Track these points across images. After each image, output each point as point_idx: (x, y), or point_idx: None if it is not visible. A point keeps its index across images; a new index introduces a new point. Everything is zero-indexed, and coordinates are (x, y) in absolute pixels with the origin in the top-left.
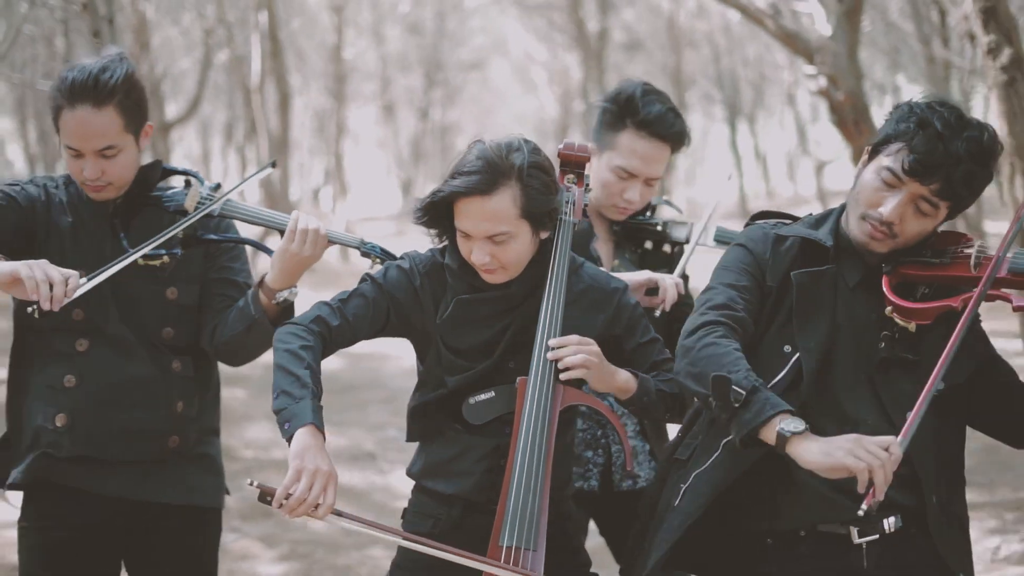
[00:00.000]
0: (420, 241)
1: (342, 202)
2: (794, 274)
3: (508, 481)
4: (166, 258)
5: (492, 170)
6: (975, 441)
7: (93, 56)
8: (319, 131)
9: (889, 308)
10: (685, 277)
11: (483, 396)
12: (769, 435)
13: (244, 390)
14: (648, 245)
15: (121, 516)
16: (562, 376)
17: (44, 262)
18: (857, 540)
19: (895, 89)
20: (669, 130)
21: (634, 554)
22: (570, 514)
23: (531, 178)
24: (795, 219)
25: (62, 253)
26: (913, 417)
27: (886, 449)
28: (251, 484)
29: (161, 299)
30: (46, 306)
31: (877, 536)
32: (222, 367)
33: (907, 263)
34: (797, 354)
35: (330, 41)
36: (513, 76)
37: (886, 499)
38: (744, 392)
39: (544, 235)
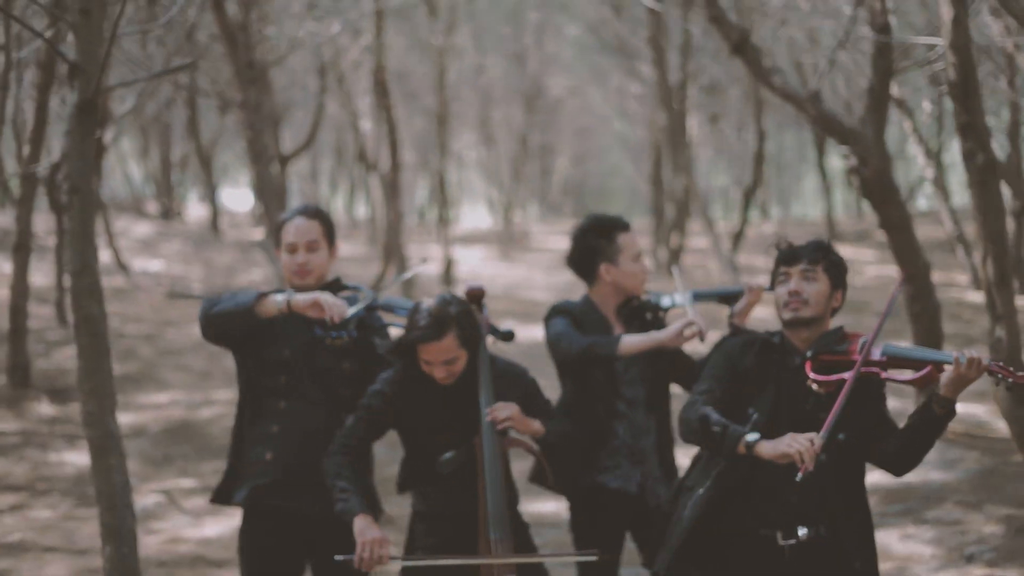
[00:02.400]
0: (521, 266)
1: (443, 227)
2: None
3: (483, 500)
4: (344, 339)
5: (439, 323)
6: (972, 464)
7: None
8: (422, 152)
9: (809, 380)
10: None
11: (447, 456)
12: (742, 448)
13: None
14: (648, 317)
15: (306, 530)
16: (499, 427)
17: (329, 294)
18: (780, 543)
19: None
20: None
21: (655, 553)
22: (521, 521)
23: (463, 320)
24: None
25: (274, 335)
26: (824, 428)
27: (811, 440)
28: (337, 558)
29: (340, 369)
30: (335, 319)
31: (794, 541)
32: None
33: (823, 352)
34: (756, 414)
35: (434, 78)
36: (607, 102)
37: (804, 513)
38: (719, 428)
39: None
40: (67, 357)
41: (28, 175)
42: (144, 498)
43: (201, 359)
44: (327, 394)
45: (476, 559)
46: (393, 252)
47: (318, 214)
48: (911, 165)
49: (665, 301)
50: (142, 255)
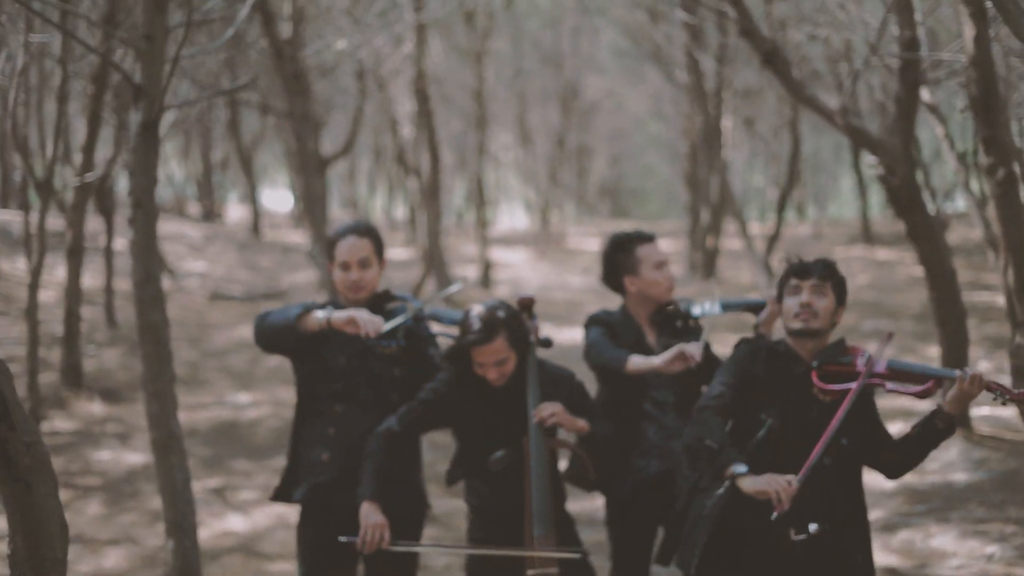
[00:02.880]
0: (557, 268)
1: (481, 230)
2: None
3: (529, 498)
4: (394, 347)
5: (489, 327)
6: (997, 466)
7: None
8: (460, 152)
9: (815, 389)
10: (707, 345)
11: (497, 454)
12: (728, 473)
13: None
14: (679, 324)
15: (353, 525)
16: (545, 423)
17: (365, 312)
18: (793, 538)
19: None
20: None
21: (671, 549)
22: (567, 517)
23: (512, 324)
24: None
25: (331, 344)
26: (808, 463)
27: (788, 482)
28: (341, 539)
29: (390, 375)
30: (371, 335)
31: (805, 536)
32: None
33: (828, 363)
34: (769, 420)
35: (472, 84)
36: (643, 104)
37: (812, 512)
38: (716, 447)
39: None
40: (116, 358)
41: (82, 184)
42: (195, 495)
43: (244, 361)
44: (379, 399)
45: (490, 550)
46: (434, 258)
47: (369, 231)
48: (947, 167)
49: (696, 310)
50: (186, 258)
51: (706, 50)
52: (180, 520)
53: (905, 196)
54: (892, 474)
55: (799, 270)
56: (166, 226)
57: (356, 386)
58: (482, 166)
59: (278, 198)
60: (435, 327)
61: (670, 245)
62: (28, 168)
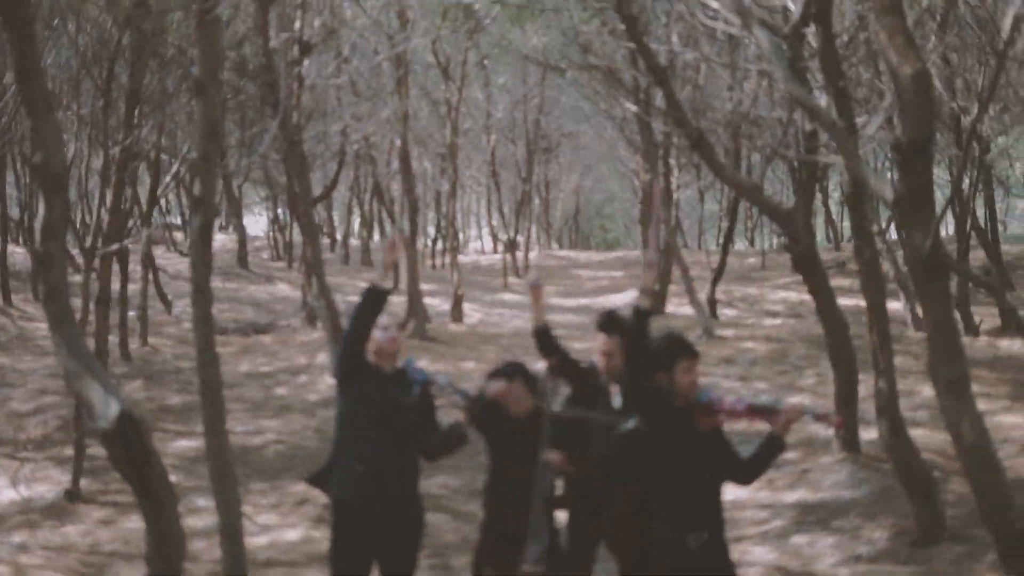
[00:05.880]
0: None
1: (455, 268)
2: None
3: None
4: (412, 398)
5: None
6: (875, 484)
7: None
8: (432, 187)
9: (697, 423)
10: None
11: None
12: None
13: None
14: None
15: (378, 530)
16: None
17: None
18: (691, 545)
19: None
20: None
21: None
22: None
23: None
24: None
25: (376, 383)
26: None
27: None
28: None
29: (405, 422)
30: None
31: (699, 543)
32: None
33: (699, 406)
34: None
35: (446, 131)
36: (602, 147)
37: (702, 522)
38: None
39: None
40: (136, 390)
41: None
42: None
43: (256, 391)
44: (399, 433)
45: None
46: (415, 300)
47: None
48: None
49: None
50: (173, 287)
51: (655, 109)
52: (231, 531)
53: (806, 261)
54: (746, 482)
55: (691, 353)
56: (160, 260)
57: (387, 419)
58: (453, 206)
59: (255, 223)
60: (446, 391)
61: (627, 271)
62: (78, 236)
